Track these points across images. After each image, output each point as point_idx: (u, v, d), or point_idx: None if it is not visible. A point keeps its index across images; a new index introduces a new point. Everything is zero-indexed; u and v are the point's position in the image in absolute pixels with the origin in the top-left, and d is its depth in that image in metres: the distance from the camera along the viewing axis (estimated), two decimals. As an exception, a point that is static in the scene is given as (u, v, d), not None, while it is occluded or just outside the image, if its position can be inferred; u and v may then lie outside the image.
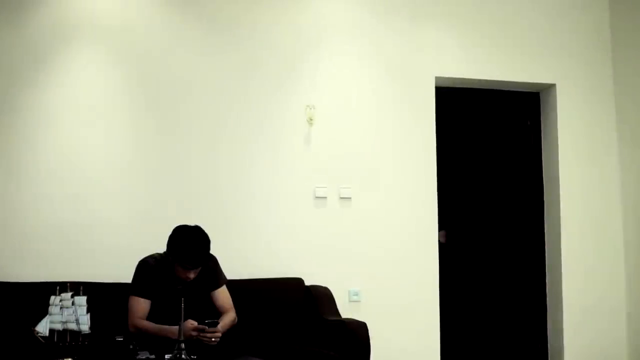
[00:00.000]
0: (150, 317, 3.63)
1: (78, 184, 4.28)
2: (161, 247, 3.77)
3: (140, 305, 3.63)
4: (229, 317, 3.76)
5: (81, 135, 4.34)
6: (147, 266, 3.70)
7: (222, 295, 3.84)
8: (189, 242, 3.61)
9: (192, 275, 3.64)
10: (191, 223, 3.72)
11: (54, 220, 4.21)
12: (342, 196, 4.70)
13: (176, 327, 3.30)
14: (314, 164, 4.67)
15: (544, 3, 5.19)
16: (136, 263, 3.74)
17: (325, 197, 4.68)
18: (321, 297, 4.37)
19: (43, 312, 3.32)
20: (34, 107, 4.28)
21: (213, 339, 3.49)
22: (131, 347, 3.25)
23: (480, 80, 5.04)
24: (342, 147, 4.74)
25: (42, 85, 4.31)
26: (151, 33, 4.51)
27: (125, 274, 3.74)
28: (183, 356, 3.26)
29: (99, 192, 4.31)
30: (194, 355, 3.31)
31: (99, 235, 4.25)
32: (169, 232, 3.88)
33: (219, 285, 3.85)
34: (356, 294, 4.66)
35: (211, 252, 3.75)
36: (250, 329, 4.07)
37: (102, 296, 3.74)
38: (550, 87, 5.16)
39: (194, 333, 3.43)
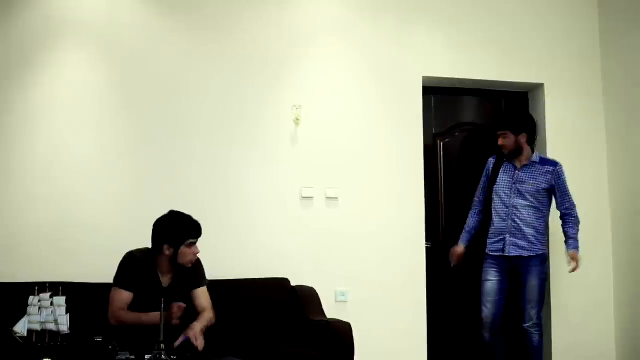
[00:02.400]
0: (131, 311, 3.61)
1: (61, 184, 4.28)
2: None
3: (123, 298, 3.61)
4: (205, 318, 3.75)
5: (66, 135, 4.34)
6: (133, 259, 3.69)
7: (203, 295, 3.85)
8: (185, 216, 3.74)
9: (197, 251, 3.73)
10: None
11: (34, 221, 4.21)
12: (328, 196, 4.69)
13: (156, 313, 3.32)
14: (301, 164, 4.66)
15: (532, 3, 5.17)
16: (118, 262, 3.73)
17: (312, 197, 4.67)
18: (307, 298, 4.35)
19: (21, 312, 3.32)
20: (20, 106, 4.28)
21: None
22: (110, 347, 3.25)
23: (468, 80, 5.03)
24: (329, 147, 4.73)
25: (29, 85, 4.31)
26: (139, 33, 4.51)
27: (105, 275, 3.74)
28: (163, 356, 3.25)
29: (82, 192, 4.31)
30: (174, 356, 3.30)
31: (80, 235, 4.25)
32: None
33: (201, 285, 3.86)
34: (343, 294, 4.65)
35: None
36: (235, 329, 4.06)
37: (81, 296, 3.73)
38: (539, 86, 5.15)
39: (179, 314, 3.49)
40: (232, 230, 4.51)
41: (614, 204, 5.08)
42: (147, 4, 4.55)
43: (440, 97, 5.16)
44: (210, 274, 4.26)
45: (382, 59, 4.86)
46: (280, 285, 4.39)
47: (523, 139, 4.47)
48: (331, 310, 4.43)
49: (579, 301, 4.99)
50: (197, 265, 3.85)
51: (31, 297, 3.34)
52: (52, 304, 3.32)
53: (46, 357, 3.23)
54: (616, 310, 5.03)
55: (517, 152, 4.48)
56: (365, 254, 4.72)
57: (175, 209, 4.34)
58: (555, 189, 4.48)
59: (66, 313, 3.34)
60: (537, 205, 4.45)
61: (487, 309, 4.47)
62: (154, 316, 3.37)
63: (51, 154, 4.30)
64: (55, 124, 4.33)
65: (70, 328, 3.36)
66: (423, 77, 4.89)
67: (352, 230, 4.70)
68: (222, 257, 4.41)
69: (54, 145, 4.31)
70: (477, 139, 5.15)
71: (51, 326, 3.31)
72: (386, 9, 4.90)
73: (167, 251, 3.66)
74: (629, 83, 4.98)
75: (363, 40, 4.85)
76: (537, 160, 4.50)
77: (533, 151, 4.54)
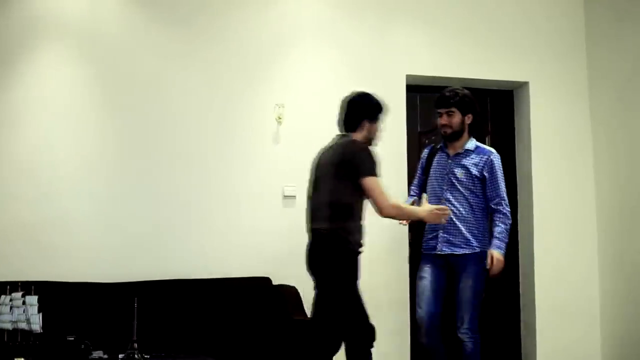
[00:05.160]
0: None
1: (41, 183, 4.28)
2: (127, 248, 3.76)
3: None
4: None
5: (47, 134, 4.34)
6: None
7: None
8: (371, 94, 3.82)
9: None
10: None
11: (13, 220, 4.20)
12: (311, 195, 4.67)
13: (422, 209, 3.75)
14: (283, 163, 4.65)
15: (518, 1, 5.15)
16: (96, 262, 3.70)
17: (294, 196, 4.65)
18: (288, 297, 4.35)
19: (-6, 311, 3.31)
20: (1, 106, 4.27)
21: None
22: (83, 346, 3.24)
23: (452, 79, 4.99)
24: (312, 145, 4.62)
25: (10, 84, 4.32)
26: (119, 33, 4.50)
27: (83, 274, 3.73)
28: (136, 356, 3.26)
29: (62, 191, 4.30)
30: (147, 355, 3.30)
31: (59, 235, 4.23)
32: (134, 232, 3.94)
33: None
34: (325, 294, 4.62)
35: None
36: (216, 329, 4.04)
37: (55, 295, 3.71)
38: (524, 85, 5.12)
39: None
40: (214, 229, 4.50)
41: (600, 204, 5.06)
42: (129, 3, 4.54)
43: (426, 96, 5.14)
44: (192, 272, 4.27)
45: (365, 57, 4.85)
46: (261, 284, 4.39)
47: (468, 120, 4.07)
48: (314, 309, 4.42)
49: (564, 301, 4.97)
50: None
51: (2, 296, 3.33)
52: (24, 303, 3.31)
53: (18, 357, 3.21)
54: (602, 310, 5.00)
55: (458, 134, 4.05)
56: (348, 253, 4.68)
57: (157, 208, 4.43)
58: (486, 180, 3.99)
59: (38, 312, 3.31)
60: (473, 198, 3.99)
61: (421, 309, 4.00)
62: (420, 211, 3.73)
63: (32, 153, 4.30)
64: (37, 124, 4.33)
65: (43, 327, 3.33)
66: (407, 75, 4.88)
67: (334, 229, 4.67)
68: (204, 256, 4.43)
69: (35, 145, 4.32)
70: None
71: (23, 325, 3.29)
72: (369, 7, 4.89)
73: (365, 128, 3.72)
74: (614, 82, 4.96)
75: (346, 38, 4.83)
76: (472, 148, 4.07)
77: (470, 138, 4.11)
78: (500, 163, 4.05)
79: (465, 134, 4.10)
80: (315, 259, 3.66)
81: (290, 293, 4.37)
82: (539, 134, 5.05)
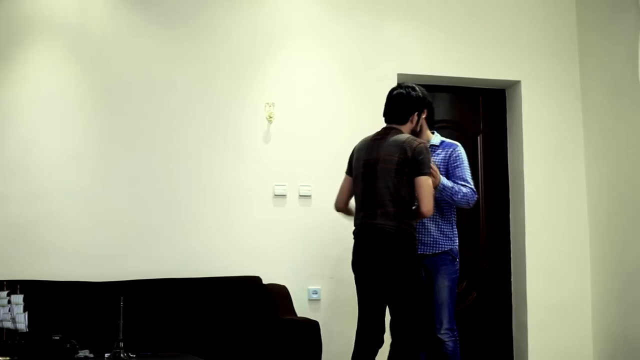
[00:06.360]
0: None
1: (31, 182, 4.28)
2: (116, 247, 3.78)
3: None
4: None
5: (37, 133, 4.34)
6: None
7: None
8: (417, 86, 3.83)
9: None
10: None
11: (3, 219, 4.19)
12: (301, 194, 4.67)
13: None
14: (274, 162, 4.65)
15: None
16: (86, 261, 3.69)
17: (285, 195, 4.65)
18: (278, 296, 4.34)
19: (-22, 311, 3.31)
20: (-11, 104, 4.28)
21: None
22: (69, 345, 3.24)
23: (444, 77, 5.00)
24: (302, 145, 4.71)
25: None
26: (109, 31, 4.50)
27: (69, 273, 3.73)
28: (122, 355, 3.25)
29: (52, 191, 4.30)
30: (133, 354, 3.30)
31: (49, 234, 4.23)
32: (123, 231, 3.99)
33: None
34: (315, 293, 4.63)
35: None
36: (205, 328, 4.04)
37: (40, 294, 3.71)
38: (516, 84, 5.11)
39: None
40: (204, 228, 4.50)
41: (592, 202, 5.04)
42: (117, 2, 4.53)
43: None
44: (182, 271, 4.27)
45: (356, 56, 4.84)
46: (251, 283, 4.37)
47: (424, 115, 3.84)
48: (304, 308, 4.45)
49: (556, 299, 4.95)
50: None
51: (-12, 295, 3.32)
52: (9, 302, 3.30)
53: (3, 356, 3.20)
54: (593, 308, 4.99)
55: (417, 134, 3.79)
56: (338, 252, 4.66)
57: (146, 207, 4.43)
58: (448, 172, 3.84)
59: (24, 311, 3.31)
60: (439, 196, 3.79)
61: None
62: None
63: (21, 152, 4.30)
64: (26, 123, 4.33)
65: (29, 326, 3.32)
66: (398, 74, 4.86)
67: (325, 229, 4.67)
68: (194, 254, 4.43)
69: (24, 144, 4.32)
70: (454, 136, 5.11)
71: (8, 324, 3.28)
72: (360, 5, 4.88)
73: (413, 121, 3.73)
74: (606, 80, 4.94)
75: (337, 37, 4.83)
76: (438, 144, 3.93)
77: (434, 133, 3.97)
78: (465, 154, 3.91)
79: (425, 131, 3.91)
80: (383, 258, 3.50)
81: (280, 293, 4.36)
82: (531, 132, 5.04)
